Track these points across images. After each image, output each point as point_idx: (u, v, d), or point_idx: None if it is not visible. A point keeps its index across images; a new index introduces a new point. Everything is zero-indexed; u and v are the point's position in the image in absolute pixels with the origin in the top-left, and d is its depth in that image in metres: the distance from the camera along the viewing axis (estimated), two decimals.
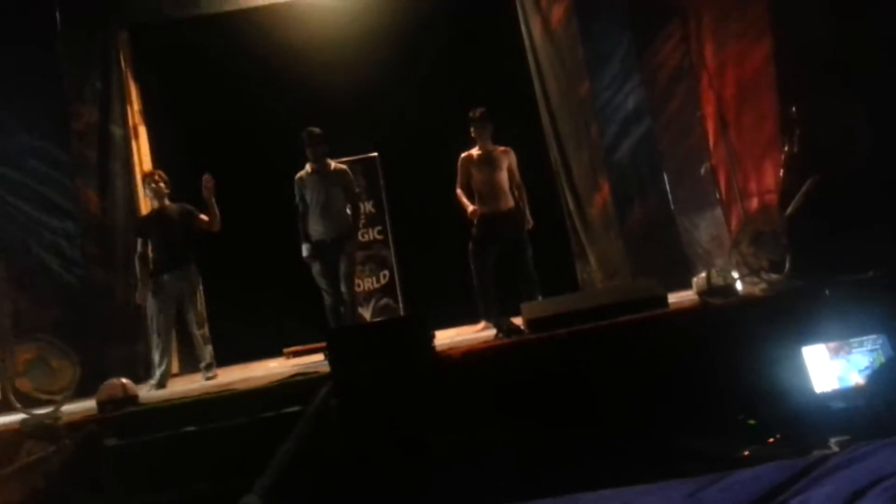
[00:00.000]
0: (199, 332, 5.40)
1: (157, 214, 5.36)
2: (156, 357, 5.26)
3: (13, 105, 5.98)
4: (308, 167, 5.36)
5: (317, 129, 5.33)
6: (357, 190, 5.61)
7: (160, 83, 6.95)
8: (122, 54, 6.65)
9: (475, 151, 5.42)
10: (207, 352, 5.38)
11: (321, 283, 5.31)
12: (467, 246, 5.37)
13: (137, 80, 6.84)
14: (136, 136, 6.67)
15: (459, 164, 5.44)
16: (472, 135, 5.41)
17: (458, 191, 5.41)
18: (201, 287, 5.49)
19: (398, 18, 6.62)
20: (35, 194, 6.00)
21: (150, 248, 5.30)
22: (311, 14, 6.74)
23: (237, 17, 6.70)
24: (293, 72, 6.71)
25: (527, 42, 6.70)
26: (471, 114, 5.40)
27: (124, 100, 6.60)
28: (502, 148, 5.45)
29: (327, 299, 5.33)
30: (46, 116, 6.12)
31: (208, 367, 5.34)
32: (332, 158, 5.43)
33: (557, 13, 6.49)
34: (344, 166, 5.48)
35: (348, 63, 6.74)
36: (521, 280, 5.28)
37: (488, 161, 5.37)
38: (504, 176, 5.38)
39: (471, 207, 5.32)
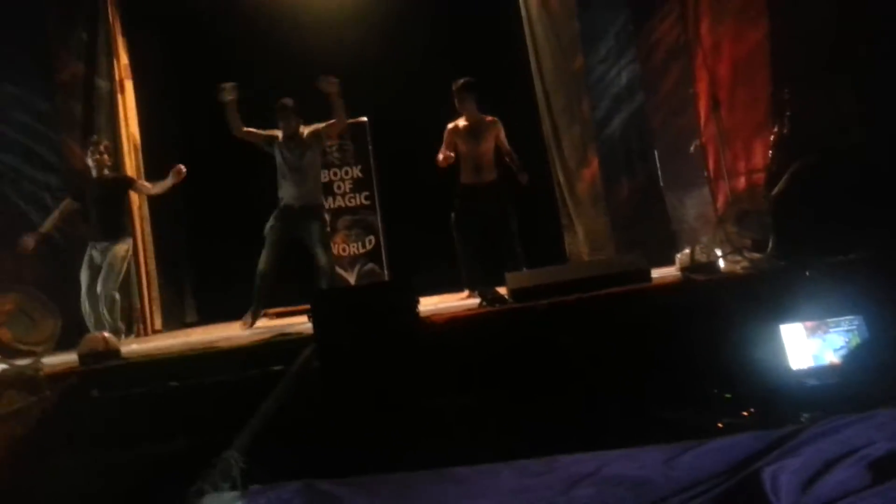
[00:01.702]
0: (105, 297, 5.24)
1: (97, 184, 5.34)
2: (88, 323, 5.14)
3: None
4: (281, 135, 5.34)
5: (288, 101, 5.30)
6: (332, 135, 5.61)
7: (149, 38, 6.81)
8: (109, 6, 6.49)
9: (461, 122, 5.38)
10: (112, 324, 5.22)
11: (268, 239, 5.22)
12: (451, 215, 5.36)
13: (125, 33, 6.69)
14: (123, 91, 6.54)
15: (445, 133, 5.41)
16: (456, 106, 5.36)
17: (439, 156, 5.38)
18: (126, 264, 5.42)
19: None
20: (18, 145, 5.93)
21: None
22: None
23: None
24: (285, 32, 6.59)
25: (523, 13, 6.61)
26: (453, 84, 5.34)
27: (111, 53, 6.46)
28: (489, 118, 5.41)
29: (261, 263, 5.24)
30: (31, 67, 6.01)
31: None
32: (316, 123, 5.39)
33: None
34: (314, 126, 5.42)
35: (342, 26, 6.64)
36: (505, 252, 5.28)
37: (474, 132, 5.33)
38: (489, 147, 5.35)
39: (441, 156, 5.27)
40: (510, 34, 6.63)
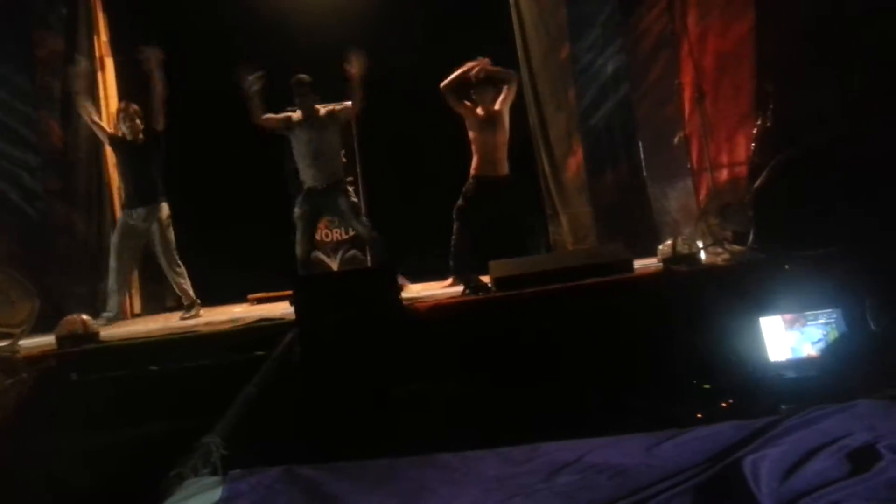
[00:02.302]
0: (173, 273, 5.31)
1: (128, 145, 5.23)
2: (112, 294, 5.21)
3: None
4: (298, 114, 5.29)
5: (305, 77, 5.24)
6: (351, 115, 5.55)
7: (129, 14, 6.68)
8: None
9: (479, 111, 5.30)
10: (184, 292, 5.32)
11: (298, 226, 5.27)
12: (444, 200, 5.32)
13: (105, 9, 6.57)
14: (103, 68, 6.42)
15: (462, 103, 5.29)
16: (472, 95, 5.30)
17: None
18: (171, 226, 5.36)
19: None
20: None
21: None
22: None
23: None
24: (272, 11, 6.50)
25: (511, 0, 6.59)
26: (473, 77, 5.28)
27: (91, 29, 6.34)
28: (497, 104, 5.33)
29: (298, 249, 5.29)
30: (10, 42, 5.87)
31: (188, 308, 5.30)
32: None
33: None
34: (333, 106, 5.38)
35: (328, 8, 6.57)
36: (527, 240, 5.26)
37: (491, 122, 5.26)
38: (506, 138, 5.29)
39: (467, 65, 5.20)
40: (498, 21, 6.60)
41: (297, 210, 5.31)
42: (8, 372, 3.33)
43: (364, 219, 5.41)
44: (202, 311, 5.33)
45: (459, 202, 5.28)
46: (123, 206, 5.34)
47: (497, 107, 5.31)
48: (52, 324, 4.03)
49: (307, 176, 5.30)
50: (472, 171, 5.33)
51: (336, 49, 6.14)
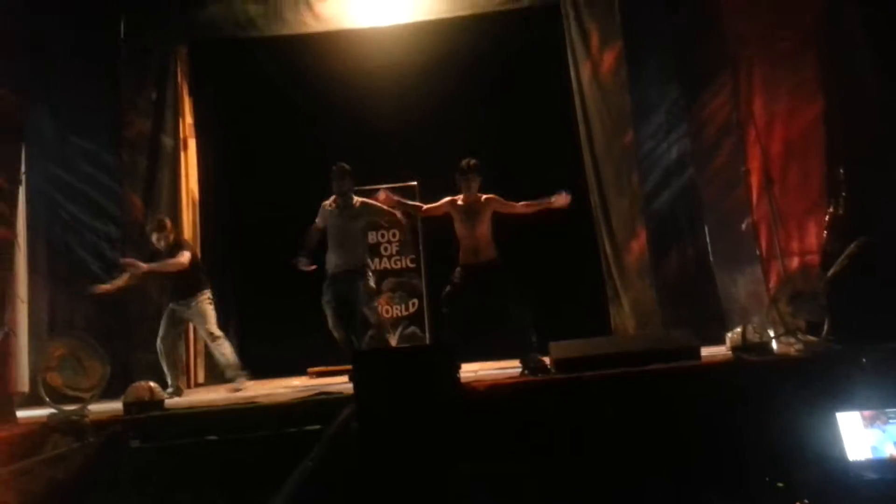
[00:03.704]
0: (216, 347, 5.54)
1: (161, 255, 5.56)
2: (169, 374, 5.49)
3: (71, 109, 6.20)
4: (332, 200, 5.48)
5: (345, 165, 5.46)
6: (382, 219, 5.71)
7: (214, 99, 7.14)
8: (179, 68, 6.83)
9: (459, 200, 5.25)
10: (229, 364, 5.52)
11: (327, 311, 5.37)
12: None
13: (192, 94, 7.03)
14: (186, 148, 6.82)
15: (443, 201, 5.30)
16: (459, 185, 5.23)
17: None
18: (212, 308, 5.58)
19: (449, 52, 6.72)
20: (82, 196, 6.17)
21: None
22: (363, 42, 6.88)
23: (293, 41, 6.86)
24: (342, 97, 6.83)
25: (575, 86, 6.72)
26: (463, 163, 5.22)
27: (177, 112, 6.76)
28: (483, 197, 5.23)
29: (336, 334, 5.38)
30: (101, 123, 6.31)
31: (233, 379, 5.48)
32: (367, 185, 5.53)
33: (608, 60, 6.53)
34: (367, 200, 5.54)
35: (396, 92, 6.86)
36: (515, 328, 5.02)
37: (470, 213, 5.20)
38: (486, 229, 5.19)
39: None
40: (561, 106, 6.74)
41: (323, 296, 5.41)
42: (76, 435, 3.42)
43: (375, 305, 5.50)
44: (248, 382, 5.50)
45: (447, 288, 5.20)
46: (169, 297, 5.63)
47: (481, 199, 5.24)
48: (122, 389, 4.14)
49: (330, 262, 5.44)
50: (458, 262, 5.28)
51: (401, 133, 6.39)
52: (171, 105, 6.67)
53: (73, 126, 6.21)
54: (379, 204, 5.44)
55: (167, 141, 6.58)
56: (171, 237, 5.57)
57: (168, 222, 5.64)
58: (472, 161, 5.25)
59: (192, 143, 6.90)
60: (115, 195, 6.24)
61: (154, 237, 5.53)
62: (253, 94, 7.06)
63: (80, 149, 6.21)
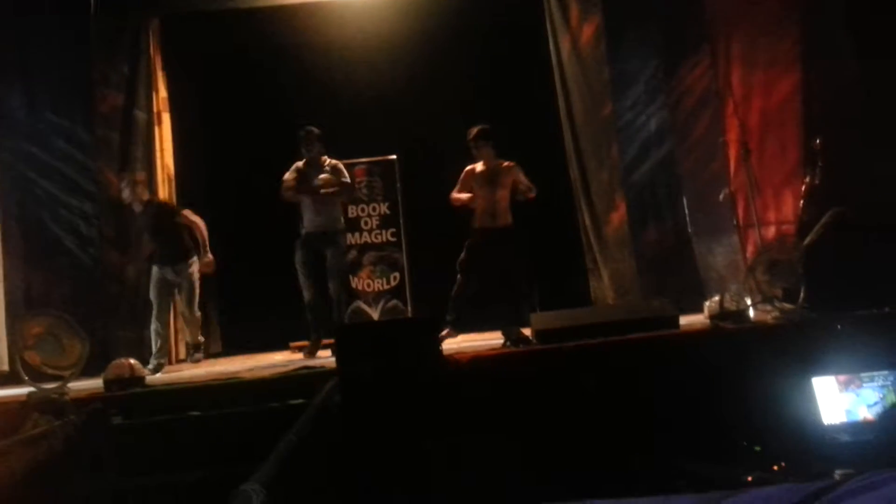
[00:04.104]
0: (195, 321, 5.56)
1: (144, 215, 5.47)
2: (159, 339, 5.39)
3: (44, 87, 6.06)
4: (303, 163, 5.42)
5: (313, 128, 5.39)
6: (349, 181, 5.62)
7: (187, 72, 7.00)
8: (151, 41, 6.69)
9: (479, 167, 5.38)
10: (196, 336, 5.60)
11: (300, 271, 5.32)
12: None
13: (165, 67, 6.90)
14: (160, 123, 6.71)
15: (462, 176, 5.41)
16: (473, 153, 5.37)
17: (453, 195, 5.40)
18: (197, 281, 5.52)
19: (426, 25, 6.64)
20: (56, 173, 6.05)
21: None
22: (340, 14, 6.79)
23: (268, 13, 6.75)
24: (319, 70, 6.75)
25: (554, 58, 6.70)
26: (468, 133, 5.34)
27: (150, 86, 6.64)
28: (506, 163, 5.36)
29: (305, 294, 5.33)
30: (73, 98, 6.17)
31: (195, 349, 5.57)
32: (345, 159, 5.50)
33: (587, 32, 6.50)
34: (338, 162, 5.50)
35: (374, 65, 6.79)
36: (518, 296, 5.21)
37: (490, 178, 5.30)
38: (505, 194, 5.29)
39: (466, 196, 5.31)
40: (540, 79, 6.72)
41: (295, 256, 5.35)
42: (56, 414, 3.39)
43: (340, 281, 5.38)
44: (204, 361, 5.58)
45: (462, 254, 5.28)
46: (157, 262, 5.51)
47: (503, 164, 5.34)
48: (101, 367, 4.11)
49: (305, 220, 5.39)
50: (474, 225, 5.34)
51: (379, 106, 6.34)
52: (144, 79, 6.54)
53: (45, 102, 6.07)
54: (344, 176, 5.44)
55: (141, 115, 6.46)
56: (145, 194, 5.46)
57: (140, 176, 5.54)
58: (477, 128, 5.31)
59: (166, 118, 6.78)
60: (89, 171, 6.12)
61: (126, 194, 5.40)
62: (228, 67, 6.93)
63: (53, 125, 6.07)
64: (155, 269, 5.45)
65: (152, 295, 5.43)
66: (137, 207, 5.45)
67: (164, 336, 5.44)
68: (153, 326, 5.41)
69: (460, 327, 5.22)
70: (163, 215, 5.45)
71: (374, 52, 6.77)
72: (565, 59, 6.61)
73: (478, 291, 5.29)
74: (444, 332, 5.14)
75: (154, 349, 5.34)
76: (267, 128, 6.80)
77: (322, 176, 5.31)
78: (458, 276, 5.27)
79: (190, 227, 5.46)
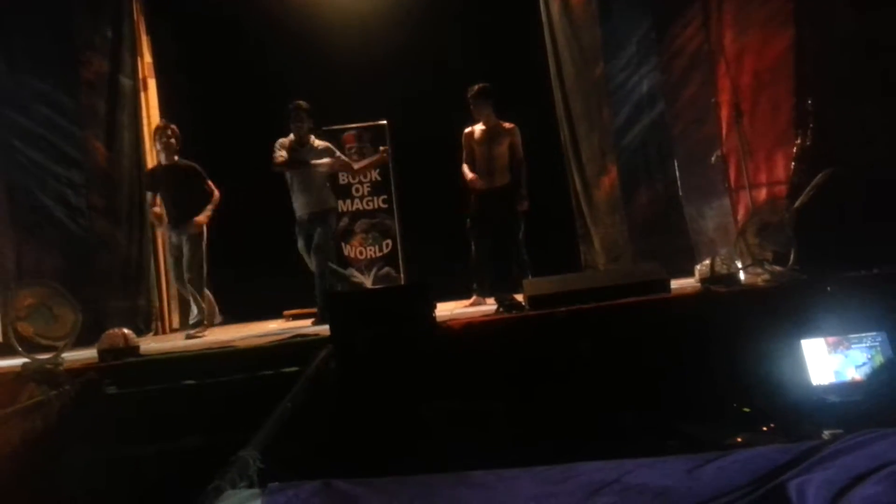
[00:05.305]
0: (190, 289, 5.47)
1: (164, 170, 5.37)
2: (195, 305, 5.48)
3: (25, 51, 5.93)
4: (289, 140, 5.32)
5: (302, 103, 5.29)
6: (340, 156, 5.58)
7: (172, 37, 6.88)
8: (134, 5, 6.57)
9: (478, 127, 5.40)
10: (198, 308, 5.51)
11: (303, 254, 5.40)
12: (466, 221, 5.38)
13: (149, 32, 6.77)
14: (146, 89, 6.63)
15: (463, 139, 5.44)
16: (472, 112, 5.38)
17: (464, 166, 5.41)
18: (204, 245, 5.47)
19: None
20: (43, 141, 5.96)
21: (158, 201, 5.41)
22: None
23: None
24: (307, 33, 6.64)
25: (544, 18, 6.61)
26: (468, 91, 5.36)
27: (135, 51, 6.55)
28: (507, 124, 5.41)
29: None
30: (56, 63, 6.06)
31: (195, 325, 5.44)
32: (335, 125, 5.44)
33: None
34: (328, 144, 5.46)
35: (363, 29, 6.69)
36: (512, 260, 5.27)
37: (489, 137, 5.35)
38: (503, 152, 5.35)
39: (470, 176, 5.33)
40: (530, 40, 6.64)
41: (298, 243, 5.40)
42: (51, 384, 3.39)
43: (319, 256, 5.29)
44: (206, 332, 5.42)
45: (468, 221, 5.33)
46: (170, 225, 5.49)
47: (503, 125, 5.35)
48: (94, 337, 4.11)
49: (296, 204, 5.35)
50: (476, 181, 5.35)
51: (368, 71, 6.25)
52: (129, 44, 6.45)
53: (29, 68, 5.94)
54: (337, 154, 5.40)
55: (126, 81, 6.37)
56: (177, 144, 5.38)
57: (174, 130, 5.41)
58: (478, 86, 5.32)
59: (151, 83, 6.69)
60: (75, 139, 6.04)
61: (163, 143, 5.32)
62: (213, 31, 6.81)
63: (37, 91, 5.96)
64: (169, 233, 5.50)
65: (169, 260, 5.57)
66: (166, 159, 5.36)
67: (187, 298, 5.56)
68: (178, 288, 5.60)
69: (488, 290, 5.22)
70: (189, 177, 5.37)
71: (362, 15, 6.67)
72: (556, 19, 6.53)
73: (493, 248, 5.35)
74: (471, 300, 5.18)
75: (193, 310, 5.49)
76: (254, 93, 6.71)
77: (323, 160, 5.25)
78: (471, 242, 5.30)
79: (209, 195, 5.42)
